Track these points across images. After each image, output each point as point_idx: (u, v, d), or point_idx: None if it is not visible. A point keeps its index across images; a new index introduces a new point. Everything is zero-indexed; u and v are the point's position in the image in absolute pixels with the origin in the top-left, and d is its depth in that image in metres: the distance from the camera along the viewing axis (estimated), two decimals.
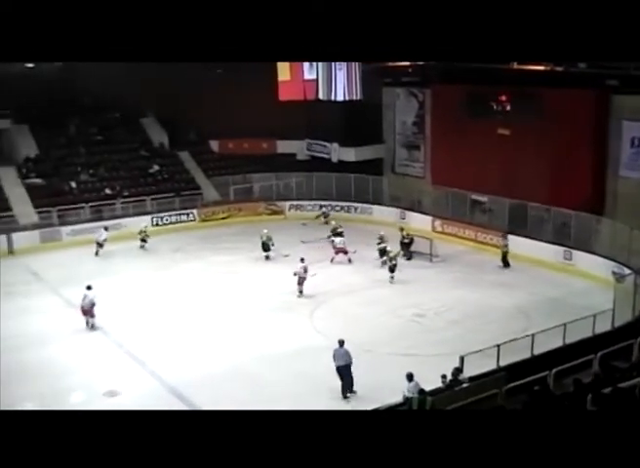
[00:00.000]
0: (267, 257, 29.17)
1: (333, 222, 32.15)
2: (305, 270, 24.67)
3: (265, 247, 29.25)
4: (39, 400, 17.71)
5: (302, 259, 24.94)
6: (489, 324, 21.86)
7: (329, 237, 30.72)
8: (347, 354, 17.44)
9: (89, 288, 22.35)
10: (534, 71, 28.29)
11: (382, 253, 27.75)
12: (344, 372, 17.36)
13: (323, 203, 36.28)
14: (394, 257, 26.29)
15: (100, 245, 30.10)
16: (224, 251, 29.85)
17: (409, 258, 28.85)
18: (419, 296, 24.54)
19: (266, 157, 39.01)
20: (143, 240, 31.25)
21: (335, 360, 17.36)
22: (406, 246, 29.19)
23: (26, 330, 22.18)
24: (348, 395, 17.36)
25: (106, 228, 30.65)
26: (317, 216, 35.22)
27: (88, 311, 22.01)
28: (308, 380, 18.04)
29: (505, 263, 27.94)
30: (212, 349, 20.39)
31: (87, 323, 22.17)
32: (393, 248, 27.37)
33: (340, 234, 30.04)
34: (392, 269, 26.07)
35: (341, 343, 17.58)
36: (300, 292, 24.65)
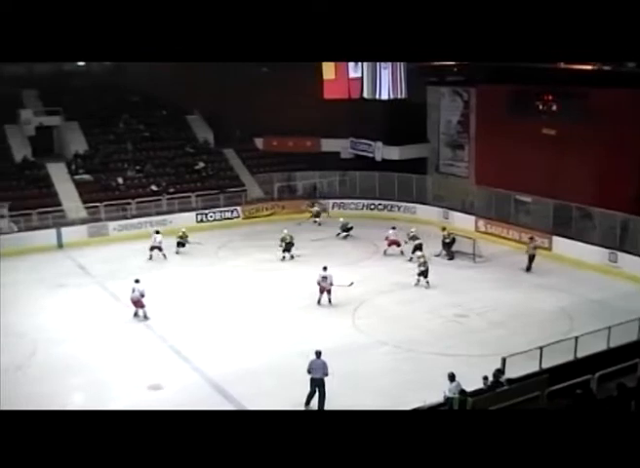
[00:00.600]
0: (284, 258, 28.70)
1: (341, 219, 32.73)
2: (326, 279, 23.36)
3: (288, 247, 28.94)
4: (83, 391, 18.02)
5: (325, 268, 23.63)
6: (531, 325, 21.62)
7: (338, 234, 31.78)
8: (325, 366, 16.43)
9: (137, 281, 22.84)
10: (580, 71, 27.83)
11: (415, 249, 28.05)
12: (320, 385, 16.43)
13: (322, 201, 36.33)
14: (424, 262, 25.42)
15: (158, 248, 28.84)
16: (268, 248, 29.92)
17: (451, 258, 28.71)
18: (461, 296, 24.34)
19: (310, 155, 39.10)
20: (182, 244, 30.09)
21: (311, 372, 16.43)
22: (447, 245, 29.03)
23: (73, 322, 22.57)
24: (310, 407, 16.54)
25: (158, 232, 29.55)
26: (312, 216, 34.64)
27: (138, 302, 22.56)
28: (348, 378, 18.02)
29: (529, 267, 27.14)
30: (254, 344, 20.48)
31: (135, 314, 22.69)
32: (432, 247, 27.27)
33: (348, 229, 31.48)
34: (424, 274, 25.20)
35: (318, 354, 16.57)
36: (319, 301, 23.46)
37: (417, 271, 25.36)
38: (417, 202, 35.65)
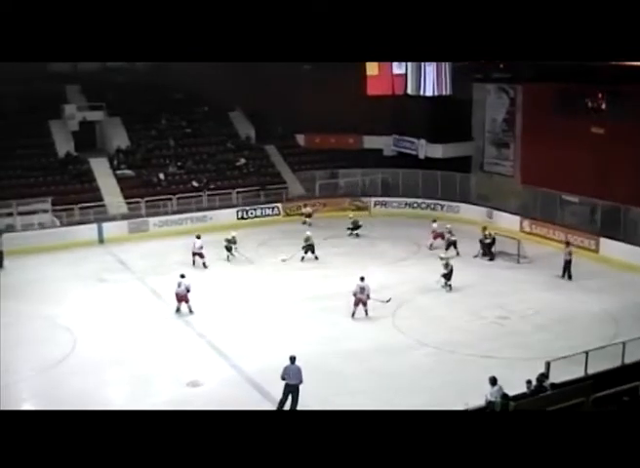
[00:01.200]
0: (303, 259, 28.36)
1: (351, 216, 33.02)
2: (363, 290, 22.26)
3: (310, 248, 28.59)
4: (123, 386, 18.26)
5: (362, 278, 22.53)
6: (577, 329, 21.32)
7: (350, 234, 32.09)
8: (300, 372, 16.03)
9: (182, 276, 23.15)
10: (630, 67, 27.28)
11: (449, 245, 28.70)
12: (294, 392, 16.04)
13: (364, 199, 36.73)
14: (447, 264, 24.95)
15: (199, 255, 27.85)
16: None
17: (491, 259, 28.46)
18: (504, 298, 24.11)
19: (353, 152, 39.07)
20: (229, 248, 28.72)
21: (286, 378, 16.04)
22: (487, 246, 28.74)
23: (113, 317, 22.86)
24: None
25: (199, 236, 28.29)
26: (304, 216, 34.56)
27: (183, 297, 22.88)
28: (388, 378, 17.99)
29: (564, 274, 26.29)
30: (293, 342, 20.40)
31: (177, 309, 22.99)
32: (471, 246, 27.15)
33: (358, 227, 31.87)
34: (447, 276, 24.76)
35: (293, 360, 16.19)
36: (354, 314, 22.39)
37: (440, 273, 25.03)
38: (460, 201, 35.47)
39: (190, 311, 22.96)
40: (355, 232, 32.33)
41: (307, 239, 28.83)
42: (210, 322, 22.38)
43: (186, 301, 22.97)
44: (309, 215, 34.56)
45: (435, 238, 29.99)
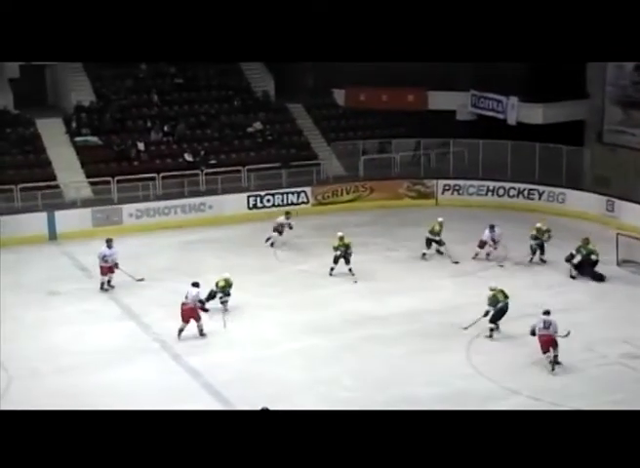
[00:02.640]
0: (332, 272, 28.11)
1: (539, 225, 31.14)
2: (549, 327, 21.69)
3: (344, 256, 27.91)
4: None
5: (548, 312, 21.90)
6: None
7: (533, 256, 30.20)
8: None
9: (196, 285, 23.37)
10: None
11: (535, 250, 28.96)
12: None
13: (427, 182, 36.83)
14: (495, 298, 23.90)
15: (196, 315, 23.87)
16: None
17: (599, 279, 27.58)
18: (632, 328, 23.80)
19: (413, 115, 38.78)
20: (216, 295, 25.38)
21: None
22: (590, 265, 27.81)
23: (67, 348, 22.67)
24: None
25: (195, 284, 23.92)
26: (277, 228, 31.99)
27: (191, 314, 23.07)
28: None
29: None
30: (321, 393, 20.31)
31: (180, 331, 23.14)
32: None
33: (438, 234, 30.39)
34: (494, 318, 23.79)
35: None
36: (549, 356, 21.72)
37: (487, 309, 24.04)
38: (568, 187, 35.22)
39: (201, 333, 23.18)
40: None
41: (341, 245, 27.92)
42: (202, 350, 22.47)
43: (197, 319, 23.02)
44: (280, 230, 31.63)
45: (482, 246, 29.57)
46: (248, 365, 21.83)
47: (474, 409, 19.00)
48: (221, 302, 25.11)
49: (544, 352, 21.55)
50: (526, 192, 36.00)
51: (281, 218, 30.86)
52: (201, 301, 23.31)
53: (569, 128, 36.43)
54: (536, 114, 37.11)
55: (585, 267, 27.84)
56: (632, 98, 35.66)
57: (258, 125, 38.25)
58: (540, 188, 35.73)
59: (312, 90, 40.86)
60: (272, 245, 30.59)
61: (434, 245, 29.68)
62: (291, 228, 30.86)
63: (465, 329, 23.30)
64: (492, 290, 24.11)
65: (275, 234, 30.68)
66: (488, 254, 29.63)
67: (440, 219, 29.75)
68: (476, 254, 29.83)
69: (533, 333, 21.89)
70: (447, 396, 19.77)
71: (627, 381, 20.87)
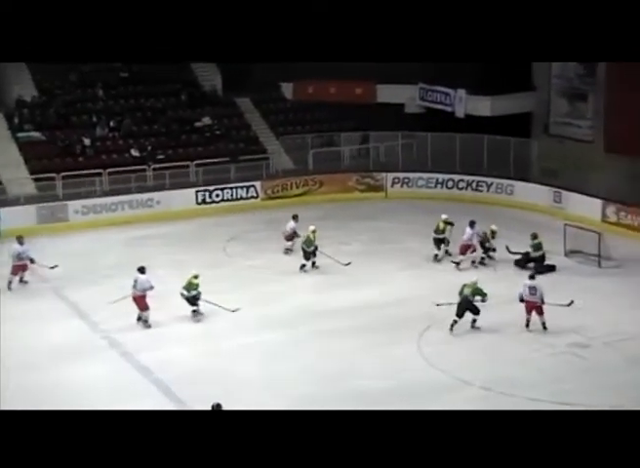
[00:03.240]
0: (304, 268, 28.09)
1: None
2: (535, 292, 22.72)
3: (307, 254, 28.05)
4: None
5: (532, 276, 23.28)
6: None
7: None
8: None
9: (141, 270, 23.56)
10: None
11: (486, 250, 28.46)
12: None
13: (377, 175, 36.59)
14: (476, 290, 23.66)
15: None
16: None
17: (539, 271, 26.88)
18: (580, 318, 23.86)
19: (362, 108, 38.86)
20: (192, 299, 24.54)
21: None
22: (536, 261, 27.87)
23: (23, 345, 22.54)
24: None
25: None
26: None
27: (141, 302, 23.37)
28: None
29: None
30: (282, 383, 20.35)
31: (139, 319, 23.57)
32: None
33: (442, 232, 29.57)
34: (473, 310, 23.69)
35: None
36: (527, 324, 23.07)
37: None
38: (515, 178, 35.56)
39: (146, 323, 23.34)
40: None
41: (308, 241, 27.96)
42: (145, 348, 22.35)
43: (144, 309, 23.24)
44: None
45: (463, 251, 28.42)
46: (199, 361, 21.77)
47: (428, 401, 19.21)
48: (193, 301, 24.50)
49: (528, 313, 22.79)
50: (474, 184, 36.26)
51: (291, 224, 29.31)
52: (150, 287, 23.31)
53: (516, 120, 36.79)
54: (483, 107, 37.28)
55: (537, 264, 27.87)
56: (578, 91, 36.12)
57: (207, 120, 38.20)
58: (489, 180, 36.01)
59: (260, 83, 40.78)
60: (288, 251, 29.41)
61: (443, 245, 28.98)
62: (298, 236, 29.11)
63: (438, 305, 23.38)
64: (471, 284, 23.67)
65: (289, 243, 29.35)
66: (474, 262, 28.51)
67: (444, 217, 29.15)
68: (459, 262, 28.27)
69: (521, 300, 22.76)
70: (400, 388, 19.80)
71: (577, 371, 21.05)
